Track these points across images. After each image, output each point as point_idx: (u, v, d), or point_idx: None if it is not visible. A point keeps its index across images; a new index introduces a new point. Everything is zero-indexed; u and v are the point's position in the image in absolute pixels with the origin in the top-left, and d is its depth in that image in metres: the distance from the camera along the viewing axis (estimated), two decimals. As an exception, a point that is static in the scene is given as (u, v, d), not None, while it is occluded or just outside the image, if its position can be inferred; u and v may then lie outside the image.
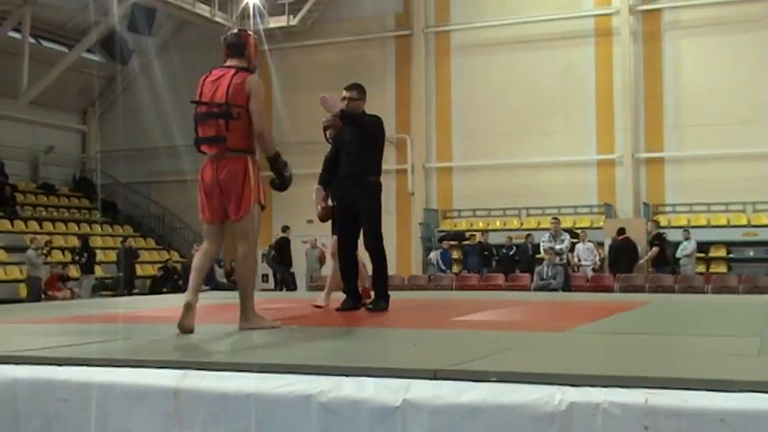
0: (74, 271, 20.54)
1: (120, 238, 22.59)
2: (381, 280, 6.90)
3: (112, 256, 21.54)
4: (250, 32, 5.54)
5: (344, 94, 6.66)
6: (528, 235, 19.70)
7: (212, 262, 5.61)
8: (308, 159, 23.69)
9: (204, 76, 5.33)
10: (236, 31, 5.56)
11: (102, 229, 23.88)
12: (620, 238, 18.52)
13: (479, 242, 20.54)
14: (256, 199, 5.14)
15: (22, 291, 18.56)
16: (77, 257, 19.83)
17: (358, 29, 23.57)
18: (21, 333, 5.43)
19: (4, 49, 21.92)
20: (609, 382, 2.96)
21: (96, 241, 22.78)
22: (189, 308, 5.02)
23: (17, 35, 21.86)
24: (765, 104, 19.55)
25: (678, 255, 18.60)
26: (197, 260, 5.30)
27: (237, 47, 5.32)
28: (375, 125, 6.63)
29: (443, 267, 19.72)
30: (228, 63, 5.32)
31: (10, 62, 21.64)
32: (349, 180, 6.54)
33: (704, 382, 2.87)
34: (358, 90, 6.69)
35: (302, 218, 23.84)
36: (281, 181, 5.44)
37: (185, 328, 5.00)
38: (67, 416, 3.60)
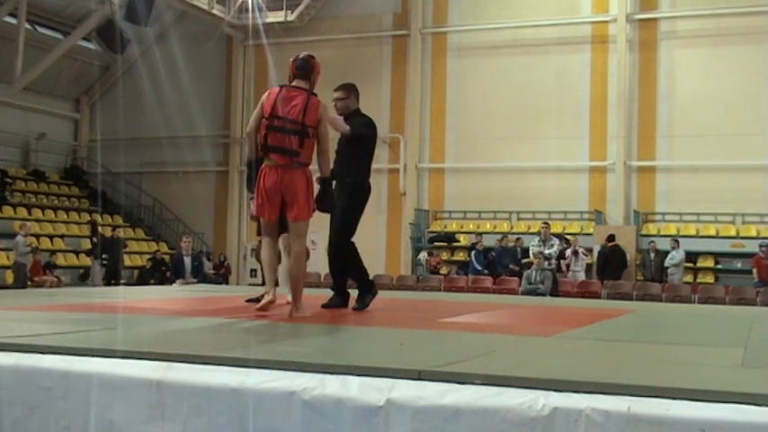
0: (61, 258, 20.49)
1: (110, 228, 22.53)
2: (358, 276, 6.99)
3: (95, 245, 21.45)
4: (315, 59, 6.10)
5: (333, 95, 6.64)
6: (517, 239, 19.73)
7: (276, 254, 6.19)
8: (301, 155, 23.93)
9: (276, 92, 5.88)
10: (304, 55, 6.08)
11: (91, 218, 23.79)
12: (610, 244, 18.57)
13: (472, 244, 20.56)
14: (312, 207, 5.97)
15: (9, 277, 18.49)
16: (92, 245, 20.08)
17: (355, 27, 23.57)
18: (5, 320, 5.41)
19: (0, 34, 21.81)
20: (592, 389, 2.97)
21: (84, 230, 22.72)
22: (270, 303, 5.92)
23: (13, 20, 21.77)
24: (758, 117, 19.61)
25: (666, 264, 18.67)
26: (264, 256, 6.09)
27: (305, 70, 5.97)
28: (364, 128, 6.60)
29: (479, 267, 19.29)
30: (295, 83, 5.94)
31: (5, 47, 21.56)
32: (335, 180, 6.56)
33: (687, 392, 2.88)
34: (345, 89, 6.69)
35: (293, 214, 23.86)
36: (329, 200, 6.16)
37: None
38: (50, 404, 3.59)
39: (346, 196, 6.53)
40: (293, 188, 5.78)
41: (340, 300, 6.93)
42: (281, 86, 5.96)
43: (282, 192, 5.81)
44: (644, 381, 3.12)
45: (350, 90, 6.69)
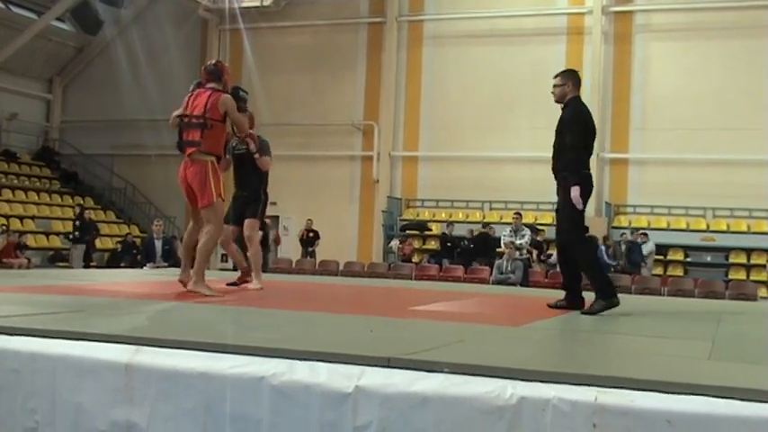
0: (31, 240, 20.27)
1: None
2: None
3: (71, 227, 21.25)
4: (225, 63, 6.96)
5: (552, 82, 6.48)
6: (488, 227, 19.73)
7: (196, 237, 6.77)
8: (276, 141, 23.74)
9: (189, 94, 6.68)
10: (213, 61, 6.95)
11: (62, 200, 23.55)
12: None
13: (443, 233, 20.60)
14: (217, 194, 6.50)
15: (-21, 258, 18.26)
16: (73, 230, 19.91)
17: (331, 13, 23.45)
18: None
19: (-29, 12, 21.48)
20: (560, 379, 3.00)
21: (55, 212, 22.47)
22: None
23: (-16, -2, 21.43)
24: (731, 112, 19.81)
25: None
26: (184, 239, 6.86)
27: (215, 74, 6.71)
28: (576, 115, 6.36)
29: (611, 262, 18.07)
30: (208, 86, 6.65)
31: (-24, 25, 21.21)
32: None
33: (653, 383, 2.91)
34: (562, 76, 6.48)
35: (266, 199, 23.78)
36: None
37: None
38: (17, 386, 3.57)
39: (562, 192, 6.25)
40: (197, 178, 6.48)
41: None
42: (196, 89, 6.70)
43: (189, 182, 6.55)
44: (611, 372, 3.16)
45: (566, 77, 6.50)
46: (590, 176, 6.32)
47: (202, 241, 6.49)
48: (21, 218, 21.15)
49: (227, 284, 7.92)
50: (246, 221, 7.82)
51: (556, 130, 6.42)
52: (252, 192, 7.90)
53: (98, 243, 21.42)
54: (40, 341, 3.69)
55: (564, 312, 6.32)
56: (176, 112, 6.70)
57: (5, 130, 24.60)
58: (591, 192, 6.37)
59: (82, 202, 23.81)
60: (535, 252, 18.52)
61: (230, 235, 7.90)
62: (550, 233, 19.83)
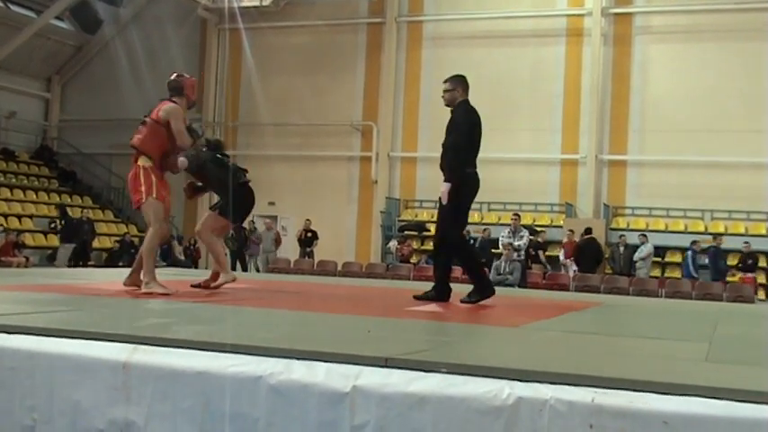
0: (29, 238, 20.25)
1: (79, 209, 22.33)
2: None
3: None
4: (186, 75, 7.01)
5: (443, 86, 6.84)
6: (485, 229, 19.73)
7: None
8: (275, 141, 23.93)
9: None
10: (174, 76, 6.97)
11: (60, 199, 23.54)
12: (587, 237, 18.67)
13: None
14: (147, 193, 6.56)
15: (-23, 256, 18.26)
16: (54, 226, 19.92)
17: (330, 13, 23.46)
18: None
19: (-31, 10, 21.47)
20: (557, 380, 3.00)
21: (54, 211, 22.46)
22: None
23: (-16, -4, 21.42)
24: (729, 114, 19.83)
25: (635, 258, 18.84)
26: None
27: (176, 89, 6.83)
28: (461, 116, 6.81)
29: (695, 275, 17.79)
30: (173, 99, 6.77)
31: (-26, 24, 21.20)
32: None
33: (650, 384, 2.91)
34: (451, 81, 6.88)
35: (264, 199, 23.78)
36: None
37: None
38: (15, 383, 3.57)
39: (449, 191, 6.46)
40: (131, 180, 6.67)
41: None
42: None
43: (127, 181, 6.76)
44: (608, 373, 3.16)
45: (455, 82, 6.78)
46: (475, 175, 6.68)
47: (145, 241, 6.61)
48: (19, 216, 21.14)
49: (191, 286, 7.56)
50: (203, 216, 7.78)
51: (446, 132, 6.74)
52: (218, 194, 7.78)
53: (96, 242, 21.41)
54: (38, 339, 3.69)
55: (561, 313, 6.33)
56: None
57: (4, 128, 24.60)
58: (476, 190, 6.73)
59: (80, 201, 23.80)
60: (540, 252, 18.54)
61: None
62: (550, 234, 19.88)
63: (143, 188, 6.55)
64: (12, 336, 3.72)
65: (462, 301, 6.51)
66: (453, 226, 6.61)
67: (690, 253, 18.24)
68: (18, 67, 23.99)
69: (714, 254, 18.00)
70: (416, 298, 6.61)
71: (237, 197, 7.48)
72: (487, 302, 6.76)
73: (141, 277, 6.57)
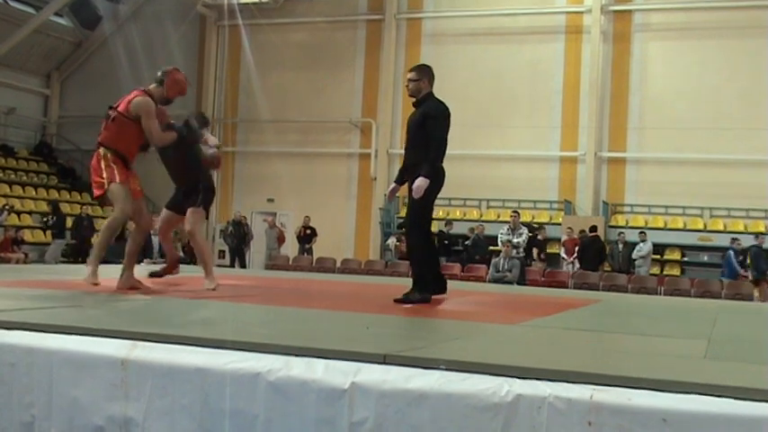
0: (28, 234, 20.25)
1: (78, 206, 22.33)
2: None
3: (69, 222, 21.26)
4: (177, 72, 6.65)
5: (407, 75, 6.58)
6: (479, 226, 19.67)
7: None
8: (273, 138, 23.90)
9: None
10: (163, 69, 6.64)
11: (59, 195, 23.52)
12: (591, 235, 18.65)
13: (440, 231, 20.59)
14: (110, 179, 6.24)
15: (-27, 253, 18.27)
16: (46, 221, 19.92)
17: (330, 10, 23.44)
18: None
19: (-32, 6, 21.45)
20: (556, 377, 3.00)
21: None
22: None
23: (-17, -8, 21.41)
24: (728, 112, 19.83)
25: (634, 255, 18.83)
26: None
27: (158, 80, 6.52)
28: (433, 111, 6.43)
29: (742, 272, 17.53)
30: (151, 86, 6.49)
31: (-27, 20, 21.18)
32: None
33: (649, 382, 2.91)
34: (417, 70, 6.54)
35: (262, 196, 23.79)
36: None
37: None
38: (14, 379, 3.57)
39: (412, 183, 6.23)
40: (91, 170, 6.42)
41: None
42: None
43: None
44: (607, 370, 3.16)
45: (422, 72, 6.48)
46: (443, 170, 6.37)
47: (106, 222, 6.36)
48: (18, 213, 21.13)
49: (150, 274, 7.46)
50: (187, 213, 7.13)
51: (409, 127, 6.47)
52: (190, 186, 7.22)
53: (94, 239, 21.38)
54: (37, 335, 3.69)
55: (560, 311, 6.33)
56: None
57: (3, 124, 24.59)
58: (441, 185, 6.42)
59: (80, 197, 23.79)
60: (536, 251, 18.55)
61: (166, 220, 7.44)
62: (549, 232, 19.87)
63: (105, 175, 6.24)
64: (11, 332, 3.72)
65: (396, 300, 6.18)
66: (422, 220, 6.40)
67: (731, 252, 17.91)
68: (17, 63, 23.98)
69: (756, 253, 17.63)
70: (397, 301, 6.24)
71: (211, 185, 7.43)
72: (486, 300, 6.74)
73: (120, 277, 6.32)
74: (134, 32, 23.55)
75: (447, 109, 6.41)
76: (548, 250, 19.43)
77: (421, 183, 6.12)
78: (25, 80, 25.08)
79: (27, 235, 20.14)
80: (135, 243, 6.61)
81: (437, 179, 6.28)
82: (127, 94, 6.45)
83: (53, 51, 25.42)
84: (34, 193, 22.87)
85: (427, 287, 6.31)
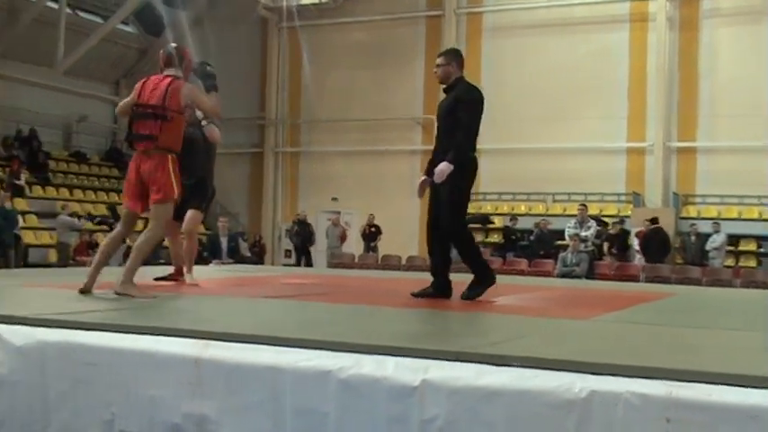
0: (102, 238, 20.77)
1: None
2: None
3: (139, 225, 21.72)
4: (187, 48, 6.31)
5: (436, 61, 6.32)
6: (543, 220, 19.41)
7: (118, 246, 6.06)
8: (336, 137, 24.09)
9: (144, 81, 5.90)
10: (174, 45, 6.27)
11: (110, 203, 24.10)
12: (653, 227, 18.28)
13: (506, 226, 20.46)
14: (171, 193, 5.69)
15: (52, 256, 18.84)
16: (97, 221, 20.46)
17: (389, 7, 23.47)
18: (50, 297, 5.50)
19: (42, 19, 22.06)
20: (632, 373, 2.93)
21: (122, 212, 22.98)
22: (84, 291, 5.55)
23: (54, 5, 22.02)
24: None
25: (707, 247, 18.39)
26: (104, 243, 5.94)
27: (175, 58, 6.01)
28: (466, 95, 6.18)
29: None
30: (165, 72, 5.94)
31: (47, 32, 21.79)
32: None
33: (731, 377, 2.82)
34: (445, 55, 6.27)
35: (327, 195, 23.96)
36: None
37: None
38: (94, 379, 3.66)
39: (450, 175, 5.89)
40: (157, 171, 5.65)
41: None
42: (152, 75, 5.98)
43: (143, 178, 5.71)
44: (686, 365, 3.07)
45: (450, 56, 6.26)
46: (476, 159, 6.12)
47: (143, 239, 5.67)
48: (91, 217, 21.71)
49: (155, 279, 7.31)
50: (188, 213, 7.11)
51: (439, 114, 6.18)
52: (197, 180, 7.06)
53: (165, 241, 21.83)
54: (115, 336, 3.78)
55: (632, 305, 6.21)
56: (126, 100, 5.96)
57: (75, 132, 25.27)
58: (475, 175, 6.16)
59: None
60: (606, 245, 18.21)
61: (176, 226, 7.32)
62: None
63: (175, 185, 5.70)
64: (90, 332, 3.82)
65: (464, 297, 5.99)
66: (457, 212, 6.08)
67: None
68: (87, 72, 24.61)
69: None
70: (415, 295, 6.08)
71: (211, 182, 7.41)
72: (555, 295, 6.66)
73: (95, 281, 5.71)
74: (198, 38, 23.96)
75: (480, 94, 6.18)
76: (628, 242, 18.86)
77: (443, 167, 5.83)
78: (95, 88, 25.72)
79: (101, 239, 20.67)
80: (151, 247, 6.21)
81: (466, 169, 5.97)
82: (152, 85, 5.84)
83: (120, 59, 26.02)
84: (106, 197, 23.45)
85: (486, 273, 6.15)
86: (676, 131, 20.73)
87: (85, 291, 5.53)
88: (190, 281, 7.20)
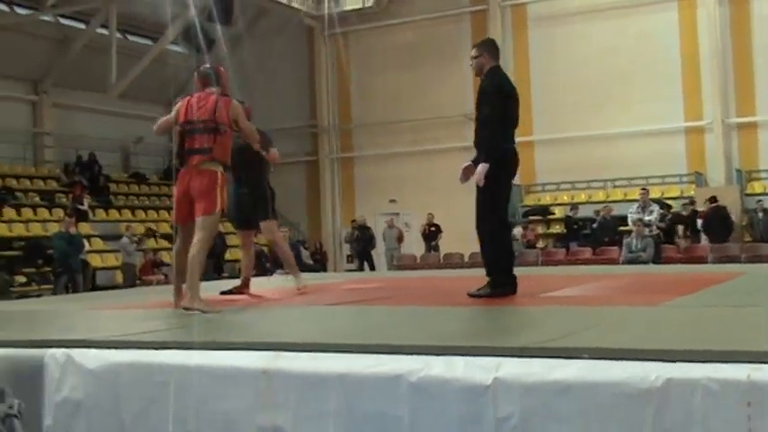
0: (166, 256, 21.12)
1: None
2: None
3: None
4: (222, 66, 6.48)
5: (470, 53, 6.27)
6: (605, 207, 19.04)
7: (186, 257, 6.02)
8: (388, 139, 24.10)
9: (188, 100, 6.06)
10: (208, 65, 6.50)
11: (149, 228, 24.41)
12: (713, 206, 17.86)
13: (567, 216, 20.21)
14: (222, 205, 5.91)
15: (119, 277, 19.22)
16: (138, 239, 20.81)
17: (432, 6, 23.40)
18: (119, 318, 5.62)
19: (92, 46, 22.58)
20: (708, 358, 2.87)
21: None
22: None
23: (105, 31, 22.50)
24: None
25: (775, 223, 17.89)
26: (177, 262, 6.02)
27: (212, 78, 6.14)
28: (490, 87, 6.07)
29: None
30: (207, 90, 6.07)
31: (97, 58, 22.28)
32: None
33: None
34: (477, 47, 6.22)
35: (384, 198, 23.99)
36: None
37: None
38: (166, 398, 3.71)
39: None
40: (201, 185, 5.81)
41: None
42: (193, 95, 6.13)
43: (191, 191, 5.86)
44: (764, 347, 2.99)
45: (482, 48, 6.16)
46: (512, 150, 5.93)
47: (193, 252, 5.74)
48: (155, 236, 22.09)
49: (221, 293, 7.25)
50: (262, 226, 7.29)
51: (475, 105, 6.06)
52: (252, 188, 7.18)
53: (228, 254, 22.13)
54: (185, 353, 3.82)
55: (702, 288, 6.07)
56: (165, 119, 6.22)
57: (133, 153, 25.77)
58: (516, 166, 6.00)
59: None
60: (681, 228, 17.81)
61: (246, 239, 7.52)
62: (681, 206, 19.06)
63: (219, 198, 5.87)
64: (160, 351, 3.87)
65: (470, 294, 5.78)
66: (492, 211, 5.94)
67: None
68: (140, 94, 25.07)
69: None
70: (471, 296, 5.78)
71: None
72: (622, 283, 6.54)
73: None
74: (245, 51, 24.26)
75: (506, 84, 6.06)
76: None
77: (481, 169, 5.74)
78: (149, 109, 26.08)
79: (165, 257, 21.02)
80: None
81: (502, 162, 5.84)
82: (199, 102, 6.00)
83: (171, 79, 26.45)
84: (168, 215, 23.84)
85: (504, 281, 5.84)
86: (734, 107, 20.22)
87: (177, 308, 5.81)
88: (300, 285, 7.31)
